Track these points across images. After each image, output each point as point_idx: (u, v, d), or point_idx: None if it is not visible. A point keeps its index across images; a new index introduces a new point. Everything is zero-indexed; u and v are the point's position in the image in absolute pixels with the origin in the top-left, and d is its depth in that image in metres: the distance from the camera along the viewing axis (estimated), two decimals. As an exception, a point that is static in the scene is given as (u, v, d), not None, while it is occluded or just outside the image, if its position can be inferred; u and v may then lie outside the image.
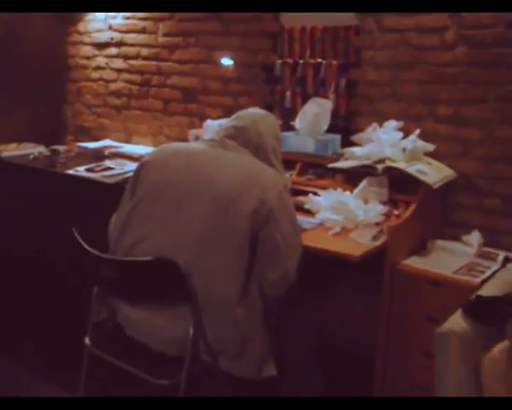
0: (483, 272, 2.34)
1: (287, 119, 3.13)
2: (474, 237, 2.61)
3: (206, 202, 1.95)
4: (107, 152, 3.67)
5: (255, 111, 2.31)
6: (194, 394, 1.98)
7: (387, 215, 2.52)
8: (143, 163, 2.14)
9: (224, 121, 2.31)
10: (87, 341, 2.10)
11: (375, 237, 2.36)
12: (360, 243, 2.31)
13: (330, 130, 2.96)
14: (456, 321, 1.89)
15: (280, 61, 3.23)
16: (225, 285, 1.91)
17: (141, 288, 2.00)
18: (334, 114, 2.96)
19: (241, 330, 1.94)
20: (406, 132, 2.77)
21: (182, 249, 1.92)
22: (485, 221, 2.69)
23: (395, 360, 2.45)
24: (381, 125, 2.83)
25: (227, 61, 3.43)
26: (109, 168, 3.31)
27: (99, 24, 4.05)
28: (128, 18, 3.89)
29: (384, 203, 2.56)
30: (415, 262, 2.44)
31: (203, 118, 3.46)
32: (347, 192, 2.63)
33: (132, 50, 3.92)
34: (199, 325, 1.89)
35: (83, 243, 2.01)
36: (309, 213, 2.59)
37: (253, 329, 1.98)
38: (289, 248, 2.00)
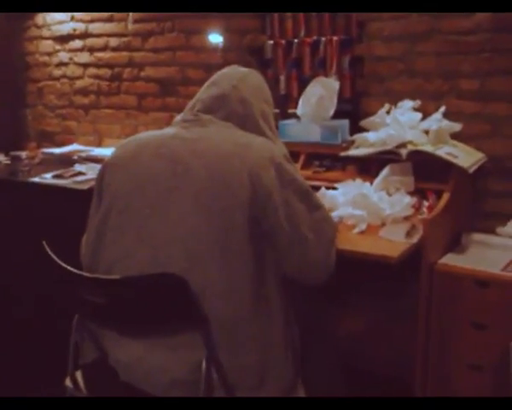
0: (537, 268, 2.00)
1: (283, 106, 2.76)
2: (513, 228, 2.27)
3: (186, 200, 1.52)
4: (75, 156, 3.30)
5: (234, 71, 1.82)
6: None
7: (416, 207, 2.16)
8: (106, 164, 1.70)
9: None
10: (68, 382, 1.68)
11: (408, 234, 1.98)
12: (393, 242, 1.94)
13: (334, 116, 2.59)
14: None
15: (271, 42, 2.86)
16: (230, 300, 1.50)
17: (132, 314, 1.58)
18: (338, 98, 2.59)
19: (261, 351, 1.54)
20: (424, 113, 2.43)
21: (168, 265, 1.50)
22: (520, 210, 2.36)
23: (436, 376, 2.08)
24: (394, 106, 2.49)
25: (215, 39, 3.04)
26: (80, 173, 2.96)
27: (59, 15, 3.68)
28: (92, 6, 3.49)
29: (411, 194, 2.19)
30: (453, 260, 2.08)
31: (184, 112, 3.08)
32: (367, 183, 2.25)
33: (99, 41, 3.55)
34: (213, 356, 1.49)
35: (57, 258, 1.59)
36: (323, 210, 2.21)
37: (274, 347, 1.58)
38: (312, 230, 1.60)
